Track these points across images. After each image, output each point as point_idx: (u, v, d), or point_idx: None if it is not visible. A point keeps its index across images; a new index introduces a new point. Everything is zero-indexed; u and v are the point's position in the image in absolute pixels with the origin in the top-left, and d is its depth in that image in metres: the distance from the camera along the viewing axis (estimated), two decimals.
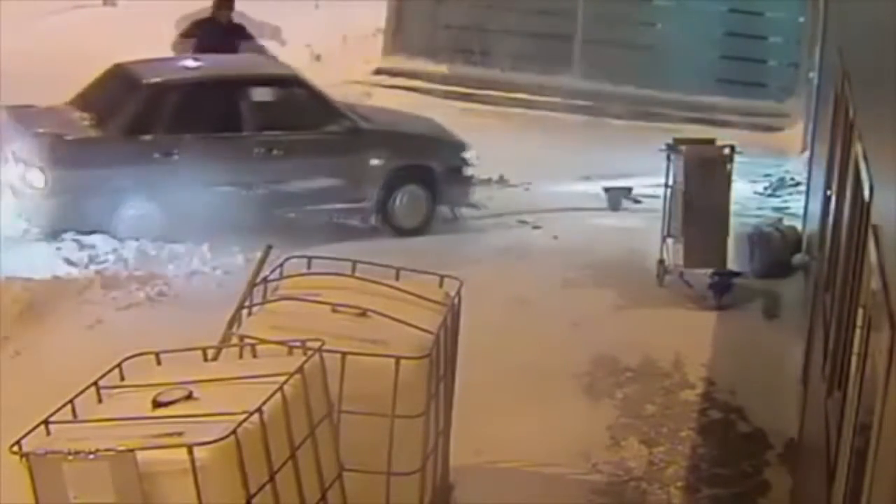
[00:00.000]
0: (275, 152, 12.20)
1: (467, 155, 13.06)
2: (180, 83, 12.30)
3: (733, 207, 11.66)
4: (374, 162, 12.55)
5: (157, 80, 12.22)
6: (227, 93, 12.27)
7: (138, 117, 11.94)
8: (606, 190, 14.11)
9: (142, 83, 12.15)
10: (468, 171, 13.07)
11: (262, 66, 13.21)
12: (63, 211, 11.67)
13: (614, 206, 13.95)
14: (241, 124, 12.18)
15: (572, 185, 14.47)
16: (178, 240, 11.63)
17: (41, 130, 11.91)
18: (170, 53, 13.92)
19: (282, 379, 5.26)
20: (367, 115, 13.06)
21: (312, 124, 12.41)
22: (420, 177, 12.76)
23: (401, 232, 12.65)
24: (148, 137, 11.85)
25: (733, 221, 11.63)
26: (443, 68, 18.60)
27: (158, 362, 5.78)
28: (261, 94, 12.41)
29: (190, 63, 12.84)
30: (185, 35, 14.12)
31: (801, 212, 12.69)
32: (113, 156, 11.71)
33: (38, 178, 11.68)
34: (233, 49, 13.71)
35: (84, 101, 12.41)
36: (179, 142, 11.87)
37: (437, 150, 13.04)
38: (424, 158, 12.88)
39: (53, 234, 11.65)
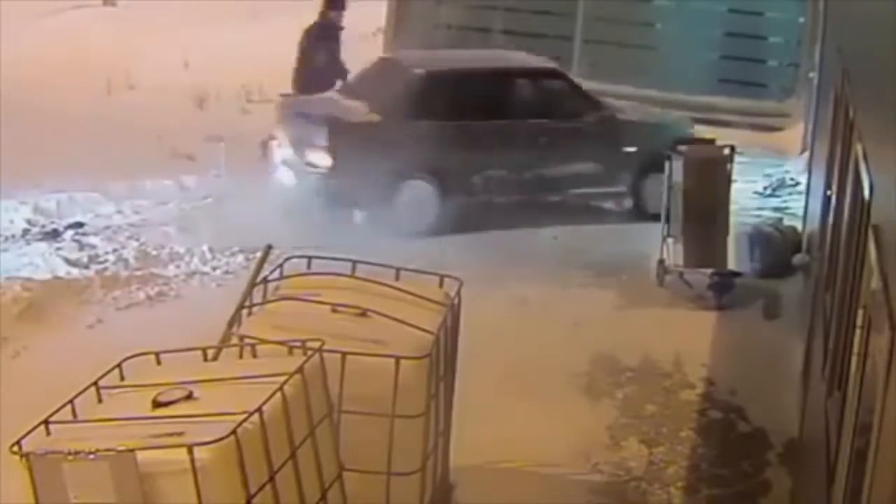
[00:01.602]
0: (540, 139, 12.89)
1: None
2: (450, 73, 13.13)
3: (732, 207, 11.66)
4: (628, 150, 13.29)
5: (429, 70, 13.07)
6: (494, 83, 13.18)
7: (414, 104, 12.68)
8: None
9: (415, 73, 12.97)
10: None
11: (525, 60, 14.16)
12: (346, 190, 12.41)
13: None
14: (508, 113, 12.98)
15: None
16: (453, 223, 12.45)
17: (326, 114, 12.77)
18: (167, 52, 14.04)
19: (282, 379, 5.26)
20: (620, 107, 13.87)
21: (572, 113, 13.21)
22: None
23: (649, 216, 12.92)
24: (423, 123, 12.50)
25: (733, 221, 11.64)
26: None
27: (158, 362, 5.78)
28: (525, 85, 13.44)
29: (450, 55, 14.24)
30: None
31: (800, 212, 12.69)
32: (391, 139, 12.41)
33: (324, 159, 12.43)
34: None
35: (352, 90, 13.33)
36: (453, 129, 12.59)
37: (684, 141, 13.44)
38: (672, 148, 13.33)
39: (338, 207, 12.36)
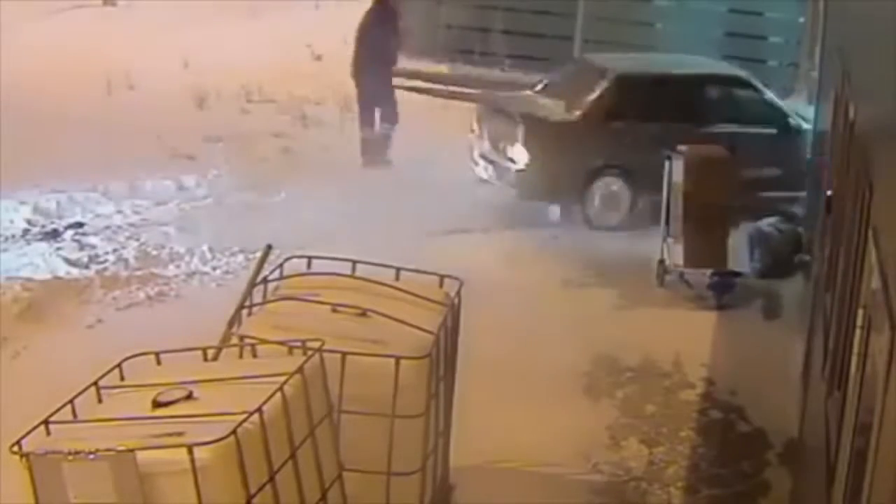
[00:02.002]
0: (725, 143, 12.79)
1: None
2: (643, 76, 13.72)
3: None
4: (810, 157, 13.48)
5: (623, 72, 13.61)
6: (686, 88, 13.62)
7: (610, 105, 13.24)
8: None
9: (609, 75, 13.49)
10: None
11: (714, 66, 14.68)
12: (543, 186, 13.13)
13: None
14: (696, 116, 13.28)
15: None
16: (642, 218, 12.84)
17: (523, 112, 13.39)
18: (167, 52, 14.08)
19: (282, 379, 5.25)
20: (801, 116, 14.03)
21: (759, 120, 13.54)
22: None
23: None
24: (618, 124, 13.10)
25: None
26: (443, 68, 18.60)
27: (158, 362, 5.77)
28: (714, 91, 13.89)
29: (649, 58, 14.89)
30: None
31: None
32: (588, 139, 13.10)
33: (523, 155, 13.07)
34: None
35: (548, 89, 13.94)
36: (645, 130, 12.96)
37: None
38: None
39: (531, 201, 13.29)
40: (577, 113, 13.26)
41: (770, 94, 13.84)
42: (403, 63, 16.66)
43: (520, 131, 13.22)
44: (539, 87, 14.18)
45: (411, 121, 15.08)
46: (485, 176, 13.69)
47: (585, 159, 13.10)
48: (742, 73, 14.28)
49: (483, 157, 13.71)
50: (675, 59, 15.12)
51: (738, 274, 11.43)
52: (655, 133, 12.80)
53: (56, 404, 5.16)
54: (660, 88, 13.45)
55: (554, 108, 13.45)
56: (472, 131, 13.98)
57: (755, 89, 13.84)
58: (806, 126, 13.56)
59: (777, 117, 13.67)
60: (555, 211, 13.41)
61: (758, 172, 13.19)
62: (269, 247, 7.39)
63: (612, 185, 13.19)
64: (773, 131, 13.54)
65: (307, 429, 5.41)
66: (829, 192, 8.48)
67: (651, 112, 13.13)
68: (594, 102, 13.29)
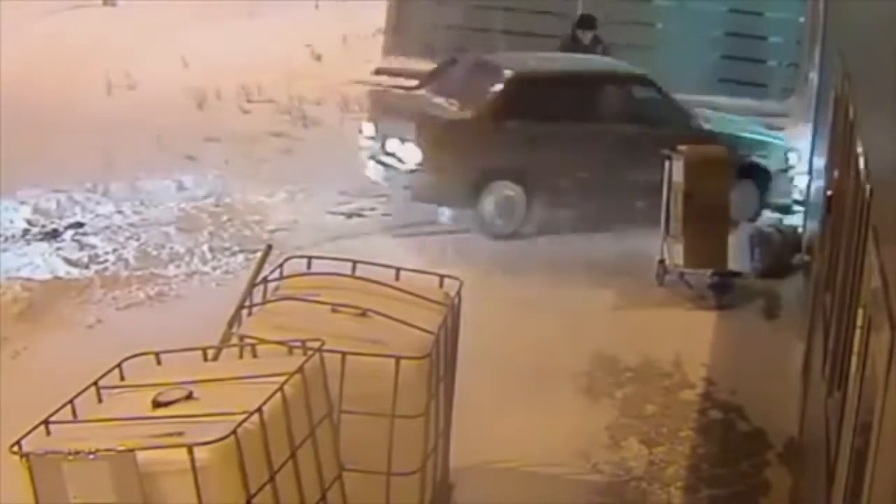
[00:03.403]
0: (625, 145, 12.83)
1: (793, 156, 13.74)
2: (542, 76, 13.24)
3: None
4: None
5: (522, 71, 13.14)
6: (584, 87, 13.23)
7: (504, 104, 12.73)
8: None
9: (506, 74, 12.99)
10: (792, 173, 13.72)
11: (613, 65, 14.26)
12: (436, 188, 12.58)
13: None
14: (595, 117, 13.02)
15: None
16: (541, 222, 12.63)
17: (415, 110, 12.95)
18: (167, 52, 14.08)
19: (282, 379, 5.25)
20: (706, 117, 13.91)
21: (659, 121, 13.11)
22: (752, 174, 13.39)
23: (732, 224, 12.93)
24: (514, 123, 12.62)
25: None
26: None
27: (158, 362, 5.77)
28: (613, 90, 13.47)
29: (547, 58, 14.19)
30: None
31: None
32: (483, 139, 12.59)
33: (414, 155, 12.52)
34: None
35: (439, 87, 13.40)
36: (542, 130, 12.64)
37: (769, 151, 13.76)
38: (758, 157, 13.57)
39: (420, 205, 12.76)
40: (471, 112, 12.72)
41: (672, 95, 13.43)
42: (404, 63, 16.70)
43: (411, 130, 12.67)
44: (432, 84, 13.64)
45: None
46: (376, 177, 13.14)
47: (479, 161, 12.55)
48: (643, 72, 13.85)
49: (374, 158, 13.08)
50: (575, 58, 14.57)
51: (737, 274, 11.43)
52: (553, 134, 12.58)
53: (56, 404, 5.15)
54: (557, 88, 12.97)
55: (447, 107, 12.91)
56: (361, 132, 13.41)
57: (657, 89, 13.42)
58: (710, 128, 13.32)
59: (680, 118, 13.26)
60: (447, 215, 12.89)
61: (657, 174, 12.64)
62: (269, 247, 7.39)
63: (507, 189, 12.64)
64: (676, 132, 12.80)
65: (307, 429, 5.41)
66: (829, 192, 8.48)
67: (549, 112, 12.67)
68: (489, 102, 12.78)
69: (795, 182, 13.77)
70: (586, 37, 15.21)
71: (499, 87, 12.84)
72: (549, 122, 12.66)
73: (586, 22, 15.44)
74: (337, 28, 19.09)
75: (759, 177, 13.54)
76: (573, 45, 15.15)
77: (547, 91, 12.88)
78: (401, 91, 13.97)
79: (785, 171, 13.71)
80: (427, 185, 12.56)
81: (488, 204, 12.61)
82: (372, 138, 13.14)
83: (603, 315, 10.79)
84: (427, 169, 12.50)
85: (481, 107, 12.74)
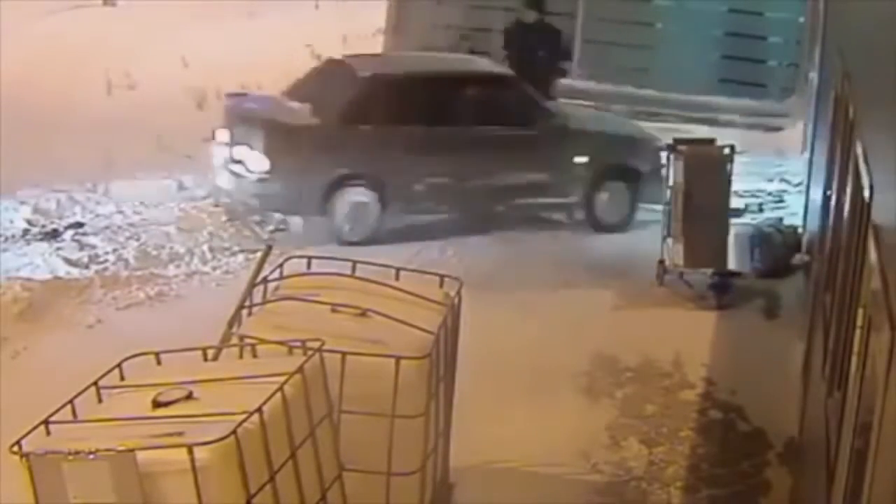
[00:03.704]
0: (486, 147, 12.60)
1: (664, 154, 13.20)
2: (396, 77, 12.76)
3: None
4: (580, 160, 12.99)
5: (375, 73, 12.74)
6: (443, 88, 12.76)
7: (356, 108, 12.38)
8: None
9: (359, 76, 12.63)
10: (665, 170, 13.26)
11: (475, 64, 13.84)
12: (284, 195, 12.16)
13: None
14: (454, 119, 12.64)
15: None
16: (393, 228, 12.30)
17: (264, 117, 12.38)
18: (167, 52, 14.08)
19: (282, 379, 5.25)
20: (574, 115, 13.60)
21: (522, 122, 12.83)
22: (623, 175, 13.15)
23: (602, 228, 12.99)
24: (366, 128, 12.29)
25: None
26: None
27: (158, 362, 5.77)
28: (474, 91, 12.98)
29: (400, 58, 13.82)
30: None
31: (801, 212, 12.69)
32: (332, 144, 12.21)
33: (260, 162, 12.09)
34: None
35: (299, 92, 12.88)
36: (396, 133, 12.32)
37: (639, 150, 13.43)
38: (627, 157, 13.29)
39: (272, 215, 12.38)
40: (322, 117, 12.30)
41: (536, 93, 13.12)
42: None
43: (259, 137, 12.20)
44: (287, 89, 13.16)
45: None
46: (226, 186, 12.60)
47: (329, 167, 12.12)
48: (506, 71, 13.49)
49: (225, 165, 12.53)
50: (439, 58, 14.13)
51: (737, 274, 11.43)
52: (408, 137, 12.28)
53: (56, 404, 5.15)
54: (412, 90, 12.51)
55: (299, 113, 12.42)
56: (213, 139, 12.78)
57: (519, 88, 13.03)
58: (576, 126, 13.07)
59: (544, 118, 12.94)
60: (297, 224, 12.43)
61: (519, 177, 12.68)
62: (270, 247, 7.39)
63: (359, 195, 12.25)
64: (538, 133, 12.77)
65: (307, 429, 5.41)
66: (829, 192, 8.49)
67: (403, 116, 12.35)
68: (341, 106, 12.39)
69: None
70: (530, 16, 15.11)
71: (352, 90, 12.49)
72: (404, 126, 12.33)
73: (531, 1, 15.23)
74: (337, 28, 19.05)
75: (630, 178, 13.18)
76: (518, 26, 15.04)
77: (403, 94, 12.49)
78: (258, 96, 13.49)
79: (657, 170, 13.01)
80: (275, 193, 12.14)
81: (339, 211, 12.17)
82: (225, 145, 12.56)
83: (603, 315, 10.79)
84: (274, 177, 12.07)
85: (333, 111, 12.34)
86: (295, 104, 12.60)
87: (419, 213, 12.57)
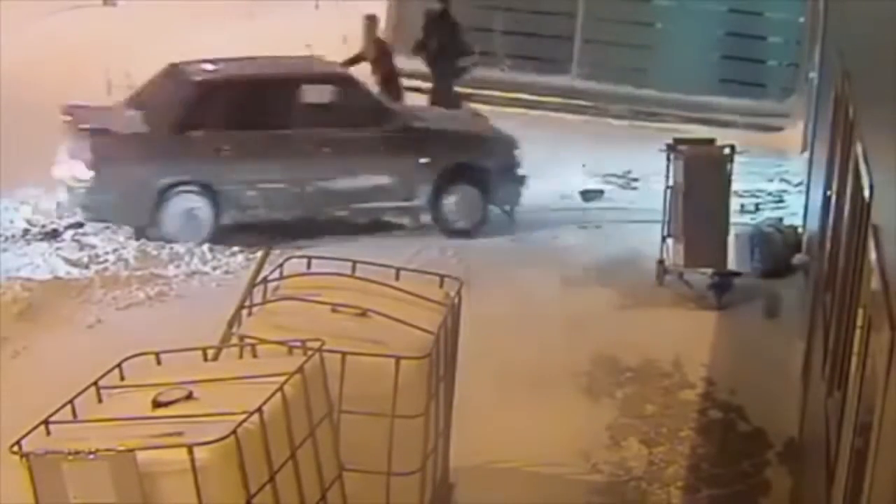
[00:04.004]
0: (325, 150, 12.35)
1: (518, 153, 13.13)
2: (229, 81, 12.53)
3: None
4: (425, 160, 12.66)
5: (207, 77, 12.48)
6: (278, 91, 12.50)
7: (188, 114, 12.14)
8: (582, 193, 14.19)
9: (192, 80, 12.40)
10: (520, 170, 13.11)
11: (313, 65, 13.45)
12: (111, 205, 11.89)
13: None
14: (291, 122, 12.35)
15: (571, 185, 14.48)
16: (227, 238, 11.94)
17: (90, 126, 12.11)
18: (167, 51, 14.05)
19: (282, 379, 5.25)
20: (418, 114, 13.27)
21: (362, 123, 12.53)
22: (472, 176, 12.84)
23: (453, 233, 12.71)
24: (198, 134, 12.05)
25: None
26: None
27: (158, 362, 5.77)
28: (311, 93, 12.59)
29: (241, 62, 13.16)
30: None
31: (801, 212, 12.70)
32: (161, 151, 11.96)
33: (85, 173, 11.82)
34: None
35: (138, 99, 12.66)
36: (229, 138, 12.09)
37: (490, 149, 13.12)
38: (477, 157, 12.96)
39: (102, 229, 12.00)
40: (151, 124, 12.06)
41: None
42: (403, 63, 16.70)
43: (85, 147, 11.87)
44: (129, 97, 12.92)
45: None
46: (60, 199, 12.28)
47: (157, 175, 11.85)
48: (340, 70, 13.23)
49: (64, 182, 12.15)
50: (272, 59, 13.44)
51: (737, 274, 11.43)
52: (241, 142, 12.05)
53: (56, 404, 5.15)
54: (244, 93, 12.32)
55: (130, 120, 12.15)
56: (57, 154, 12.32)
57: (359, 88, 12.80)
58: (420, 126, 12.77)
59: (385, 118, 12.66)
60: (126, 232, 12.11)
61: (359, 181, 12.43)
62: (270, 247, 7.39)
63: (190, 202, 11.98)
64: (380, 134, 12.51)
65: (307, 429, 5.41)
66: (829, 192, 8.49)
67: (235, 120, 12.12)
68: (170, 112, 12.12)
69: (524, 183, 13.01)
70: (436, 6, 15.03)
71: (183, 95, 12.28)
72: (238, 130, 12.12)
73: None
74: (337, 28, 19.02)
75: (480, 179, 12.85)
76: (428, 17, 14.97)
77: (236, 97, 12.27)
78: (96, 106, 12.94)
79: (511, 169, 13.00)
80: (100, 202, 11.88)
81: (169, 219, 11.96)
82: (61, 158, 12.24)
83: (604, 315, 10.79)
84: (100, 186, 11.80)
85: (163, 118, 12.12)
86: (129, 112, 12.39)
87: (252, 219, 12.25)
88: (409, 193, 12.64)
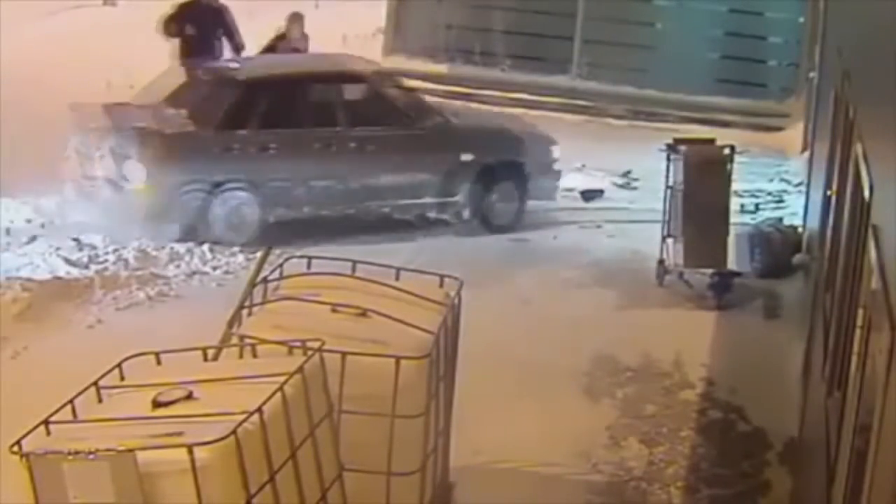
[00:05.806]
0: (368, 147, 12.47)
1: (555, 151, 13.33)
2: (273, 79, 12.61)
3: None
4: (466, 157, 12.82)
5: (249, 76, 12.59)
6: (321, 89, 12.63)
7: (234, 112, 12.21)
8: (582, 193, 14.20)
9: (236, 79, 12.52)
10: (556, 167, 13.36)
11: (355, 64, 13.51)
12: (162, 204, 11.94)
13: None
14: (335, 120, 12.46)
15: (571, 185, 14.48)
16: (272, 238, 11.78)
17: (140, 125, 12.19)
18: (167, 51, 14.05)
19: (282, 379, 5.25)
20: (457, 112, 13.43)
21: (404, 121, 12.69)
22: (511, 172, 13.02)
23: (493, 228, 12.90)
24: (243, 132, 12.15)
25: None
26: (443, 68, 18.61)
27: (158, 362, 5.77)
28: (353, 91, 12.76)
29: (283, 60, 13.38)
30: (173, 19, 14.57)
31: (801, 212, 12.70)
32: (210, 150, 12.05)
33: (138, 173, 11.89)
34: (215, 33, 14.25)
35: (177, 98, 12.67)
36: (275, 137, 12.20)
37: (529, 147, 13.31)
38: (515, 154, 13.15)
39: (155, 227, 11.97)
40: (198, 123, 12.15)
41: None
42: (403, 63, 16.73)
43: (134, 146, 11.94)
44: (167, 95, 12.83)
45: None
46: (107, 198, 12.16)
47: (206, 173, 11.98)
48: (386, 69, 13.36)
49: (109, 181, 12.10)
50: (313, 59, 13.80)
51: (737, 274, 11.43)
52: (286, 140, 12.16)
53: (56, 404, 5.15)
54: (288, 92, 12.39)
55: (176, 119, 12.26)
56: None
57: (400, 87, 13.07)
58: (456, 122, 12.97)
59: (426, 116, 12.84)
60: (175, 231, 12.04)
61: (401, 178, 12.54)
62: (270, 247, 7.39)
63: (237, 200, 12.09)
64: (422, 131, 12.66)
65: (307, 429, 5.41)
66: (829, 192, 8.49)
67: (282, 118, 12.22)
68: (217, 111, 12.21)
69: (560, 180, 13.33)
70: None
71: (228, 94, 12.36)
72: (282, 129, 12.20)
73: None
74: (337, 28, 19.05)
75: (518, 177, 13.09)
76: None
77: (278, 96, 12.31)
78: (136, 105, 12.95)
79: (547, 166, 13.19)
80: (154, 202, 11.94)
81: (217, 217, 12.02)
82: (107, 157, 12.17)
83: (604, 315, 10.79)
84: (152, 186, 11.88)
85: (208, 117, 12.19)
86: (171, 111, 12.43)
87: (299, 217, 12.31)
88: (450, 190, 12.82)
